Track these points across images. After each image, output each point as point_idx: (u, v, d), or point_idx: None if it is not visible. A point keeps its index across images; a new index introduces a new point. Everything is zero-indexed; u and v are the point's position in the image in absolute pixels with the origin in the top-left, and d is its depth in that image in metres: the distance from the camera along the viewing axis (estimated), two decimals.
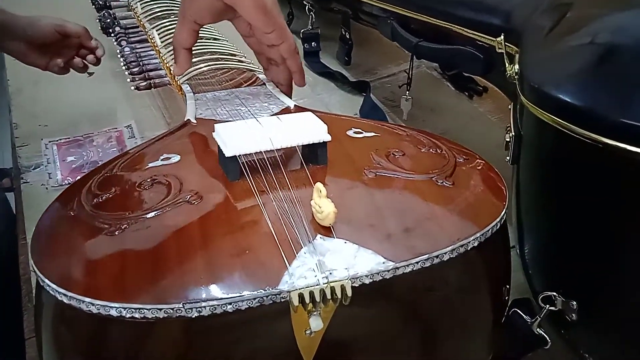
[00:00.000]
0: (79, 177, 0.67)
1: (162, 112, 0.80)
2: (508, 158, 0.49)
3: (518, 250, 0.50)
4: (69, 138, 0.75)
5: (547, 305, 0.45)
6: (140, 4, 0.82)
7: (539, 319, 0.45)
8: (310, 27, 0.91)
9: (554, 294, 0.45)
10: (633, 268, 0.40)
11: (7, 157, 0.79)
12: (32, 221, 0.62)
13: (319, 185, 0.33)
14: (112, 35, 0.82)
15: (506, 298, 0.41)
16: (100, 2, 0.92)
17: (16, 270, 0.59)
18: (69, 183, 0.67)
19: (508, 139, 0.49)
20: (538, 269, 0.49)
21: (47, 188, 0.67)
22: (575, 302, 0.43)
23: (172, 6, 0.79)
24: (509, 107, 0.52)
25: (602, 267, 0.42)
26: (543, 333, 0.44)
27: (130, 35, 0.80)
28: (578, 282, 0.44)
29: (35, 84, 0.86)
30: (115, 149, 0.74)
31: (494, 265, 0.38)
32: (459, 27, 0.61)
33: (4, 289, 0.60)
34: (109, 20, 0.84)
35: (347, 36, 0.87)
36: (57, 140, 0.75)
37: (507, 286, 0.41)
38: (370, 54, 0.95)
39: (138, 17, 0.81)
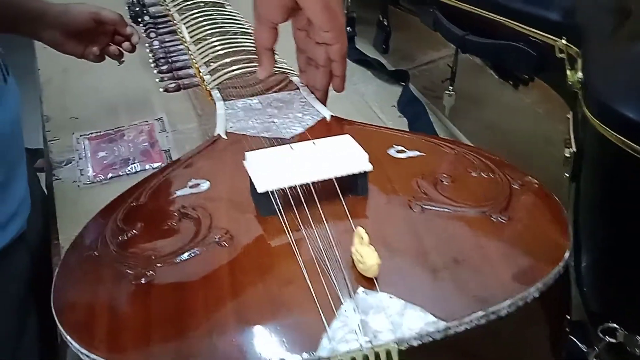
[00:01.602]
0: (110, 175, 0.67)
1: (192, 103, 0.77)
2: (567, 175, 0.45)
3: (573, 263, 0.46)
4: (100, 132, 0.73)
5: (607, 337, 0.41)
6: None
7: (597, 350, 0.42)
8: (346, 11, 0.86)
9: (616, 326, 0.41)
10: None
11: (34, 136, 0.78)
12: (65, 220, 0.62)
13: (360, 230, 0.30)
14: (141, 24, 0.79)
15: (566, 329, 0.38)
16: None
17: (49, 266, 0.58)
18: (100, 180, 0.66)
19: (568, 155, 0.44)
20: (595, 289, 0.46)
21: (79, 185, 0.66)
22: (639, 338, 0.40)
23: None
24: (568, 115, 0.47)
25: None
26: None
27: (160, 26, 0.77)
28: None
29: (64, 72, 0.84)
30: (146, 143, 0.72)
31: (556, 308, 0.34)
32: (510, 21, 0.55)
33: (39, 282, 0.59)
34: (137, 9, 0.81)
35: (385, 23, 0.82)
36: (89, 135, 0.73)
37: (568, 317, 0.38)
38: (409, 39, 0.89)
39: (166, 5, 0.77)
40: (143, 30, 0.78)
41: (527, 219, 0.34)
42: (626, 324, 0.41)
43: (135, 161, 0.68)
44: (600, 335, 0.42)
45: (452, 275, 0.30)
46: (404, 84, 0.79)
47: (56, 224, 0.62)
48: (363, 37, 0.89)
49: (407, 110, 0.75)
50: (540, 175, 0.41)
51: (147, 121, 0.75)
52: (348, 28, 0.87)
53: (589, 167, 0.43)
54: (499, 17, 0.57)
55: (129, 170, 0.67)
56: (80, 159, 0.69)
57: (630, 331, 0.40)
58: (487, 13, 0.59)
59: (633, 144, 0.36)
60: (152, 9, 0.82)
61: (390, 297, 0.29)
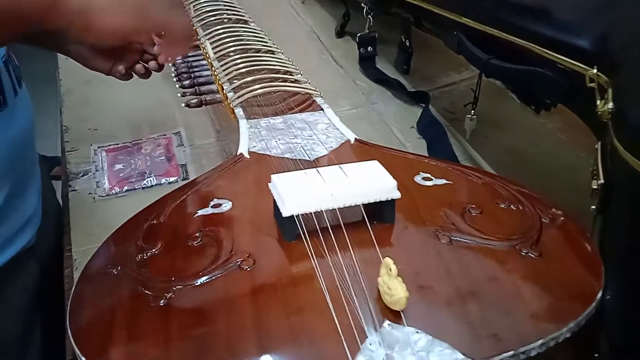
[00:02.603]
0: (126, 188, 0.67)
1: (211, 118, 0.77)
2: (593, 207, 0.44)
3: None
4: (117, 144, 0.73)
5: None
6: (193, 5, 0.79)
7: None
8: (367, 31, 0.86)
9: None
10: None
11: (51, 144, 0.78)
12: (79, 232, 0.62)
13: (388, 261, 0.29)
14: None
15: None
16: None
17: (61, 275, 0.57)
18: (115, 193, 0.66)
19: (595, 187, 0.43)
20: (621, 324, 0.44)
21: (94, 198, 0.65)
22: None
23: (224, 10, 0.76)
24: (596, 146, 0.46)
25: None
26: None
27: None
28: None
29: (85, 83, 0.85)
30: (163, 157, 0.72)
31: (586, 346, 0.33)
32: (538, 47, 0.55)
33: (49, 293, 0.58)
34: None
35: (407, 44, 0.81)
36: (106, 146, 0.73)
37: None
38: (430, 60, 0.89)
39: (191, 19, 0.77)
40: None
41: (559, 255, 0.33)
42: None
43: (152, 175, 0.68)
44: None
45: (481, 311, 0.29)
46: (423, 105, 0.78)
47: (70, 235, 0.61)
48: (384, 57, 0.89)
49: (427, 132, 0.74)
50: (562, 205, 0.40)
51: (164, 134, 0.75)
52: (369, 47, 0.87)
53: (619, 200, 0.42)
54: (526, 42, 0.56)
55: (144, 184, 0.67)
56: (96, 170, 0.69)
57: None
58: (514, 38, 0.58)
59: None
60: None
61: (417, 332, 0.28)
